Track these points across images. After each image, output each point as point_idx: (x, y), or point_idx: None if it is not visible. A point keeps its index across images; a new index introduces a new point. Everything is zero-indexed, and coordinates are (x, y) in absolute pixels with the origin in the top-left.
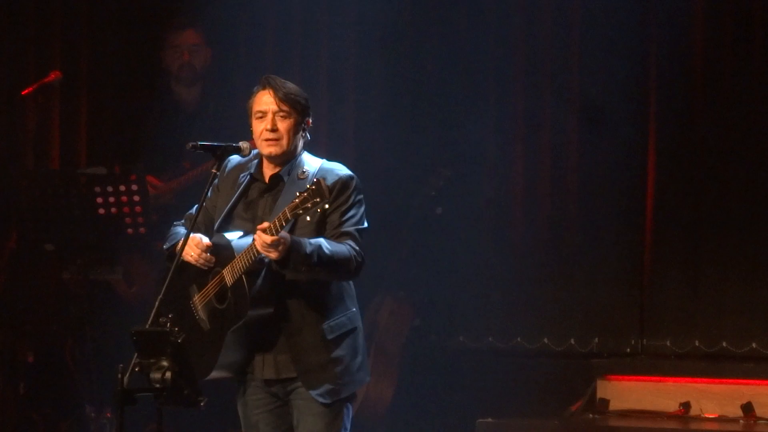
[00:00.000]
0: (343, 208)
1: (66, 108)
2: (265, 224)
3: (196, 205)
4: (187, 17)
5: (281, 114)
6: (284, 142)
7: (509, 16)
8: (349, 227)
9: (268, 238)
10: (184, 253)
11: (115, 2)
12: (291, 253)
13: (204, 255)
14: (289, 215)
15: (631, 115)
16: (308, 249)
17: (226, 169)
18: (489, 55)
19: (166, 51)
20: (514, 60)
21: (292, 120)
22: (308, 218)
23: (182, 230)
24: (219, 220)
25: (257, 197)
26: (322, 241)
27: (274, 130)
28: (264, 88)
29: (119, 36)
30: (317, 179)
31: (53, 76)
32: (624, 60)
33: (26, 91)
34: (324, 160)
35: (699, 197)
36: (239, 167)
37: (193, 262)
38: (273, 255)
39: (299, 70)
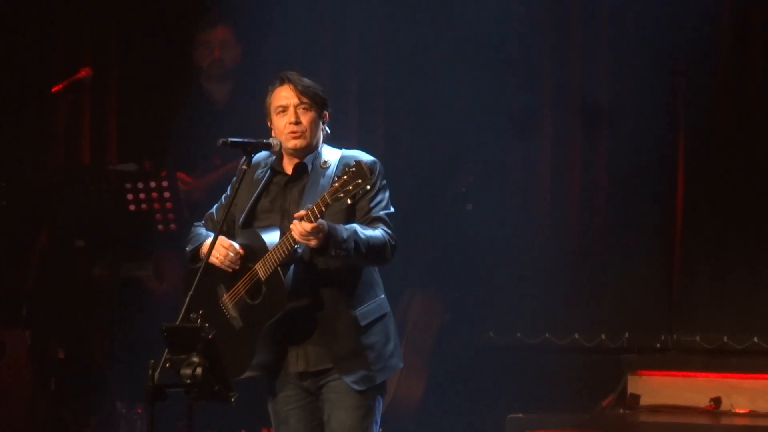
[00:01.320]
0: (372, 193)
1: (96, 105)
2: (302, 212)
3: (216, 205)
4: (218, 14)
5: (303, 107)
6: (308, 134)
7: (534, 13)
8: (379, 212)
9: (309, 226)
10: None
11: None
12: (329, 239)
13: (230, 256)
14: (329, 200)
15: (659, 115)
16: (345, 234)
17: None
18: (516, 49)
19: (197, 48)
20: (544, 62)
21: (313, 112)
22: (349, 201)
23: (203, 231)
24: (242, 217)
25: (281, 190)
26: (356, 226)
27: (298, 122)
28: (282, 83)
29: (150, 33)
30: (356, 161)
31: (84, 73)
32: (653, 65)
33: (57, 88)
34: (343, 149)
35: (729, 193)
36: (256, 164)
37: (218, 264)
38: (312, 242)
39: (329, 66)
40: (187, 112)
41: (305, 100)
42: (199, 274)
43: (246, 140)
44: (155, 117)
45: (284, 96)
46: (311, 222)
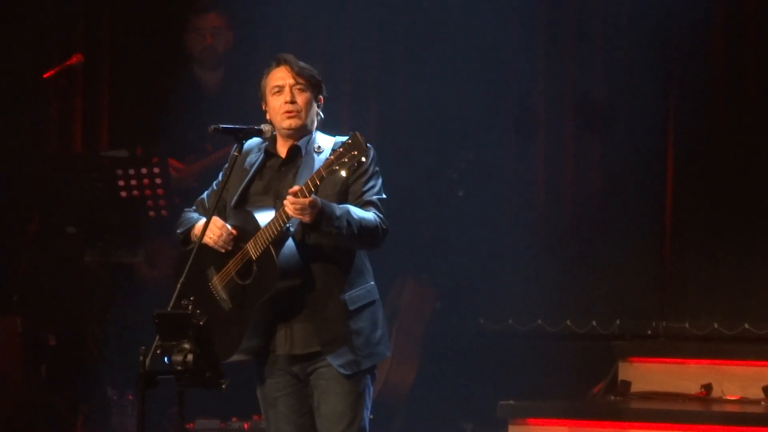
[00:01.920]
0: (364, 178)
1: (88, 91)
2: (296, 188)
3: (206, 191)
4: (210, 0)
5: (298, 87)
6: (303, 114)
7: (532, 11)
8: (371, 196)
9: (303, 200)
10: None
11: None
12: (322, 215)
13: (224, 236)
14: (324, 173)
15: (651, 102)
16: (338, 212)
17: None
18: (513, 40)
19: (189, 34)
20: (538, 49)
21: (308, 93)
22: (344, 173)
23: (194, 215)
24: (234, 201)
25: (275, 172)
26: (349, 206)
27: (293, 102)
28: (279, 64)
29: (141, 19)
30: (354, 133)
31: (75, 59)
32: (644, 56)
33: (48, 74)
34: (337, 137)
35: (719, 180)
36: (248, 150)
37: (212, 244)
38: (306, 218)
39: (322, 53)
40: (178, 98)
41: (301, 80)
42: (191, 258)
43: (237, 126)
44: (147, 103)
45: (280, 76)
46: (305, 197)
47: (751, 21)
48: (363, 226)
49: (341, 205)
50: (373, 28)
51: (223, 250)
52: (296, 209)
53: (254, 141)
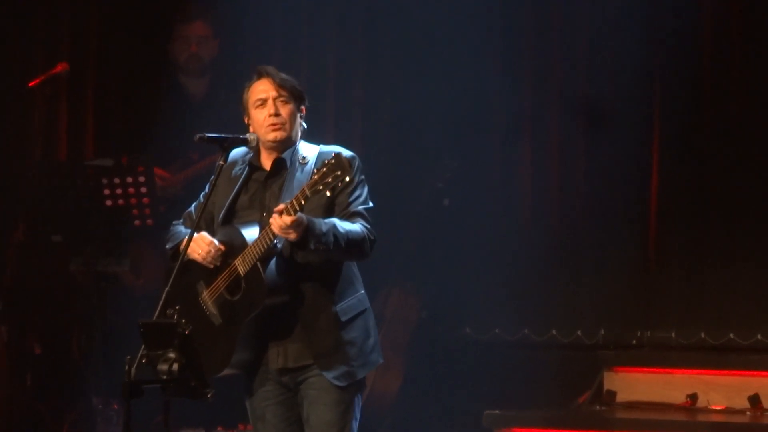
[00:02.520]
0: (350, 188)
1: (73, 99)
2: (281, 206)
3: (194, 204)
4: (196, 9)
5: (282, 99)
6: (287, 126)
7: (516, 15)
8: (357, 207)
9: (288, 219)
10: (190, 251)
11: None
12: (308, 233)
13: (212, 252)
14: (308, 192)
15: (636, 111)
16: (324, 228)
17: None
18: (496, 49)
19: (174, 42)
20: (521, 57)
21: (292, 105)
22: (328, 193)
23: (182, 229)
24: (221, 215)
25: (261, 186)
26: (335, 220)
27: (277, 114)
28: (260, 77)
29: (127, 27)
30: (336, 153)
31: (60, 67)
32: (630, 60)
33: (34, 82)
34: (321, 145)
35: (703, 189)
36: (233, 162)
37: (200, 260)
38: (292, 236)
39: (306, 62)
40: (164, 107)
41: (283, 92)
42: (176, 270)
43: (223, 136)
44: (132, 112)
45: (262, 89)
46: (290, 215)
47: (738, 21)
48: (350, 239)
49: (327, 220)
50: (357, 37)
51: (211, 266)
52: (282, 228)
53: (239, 151)
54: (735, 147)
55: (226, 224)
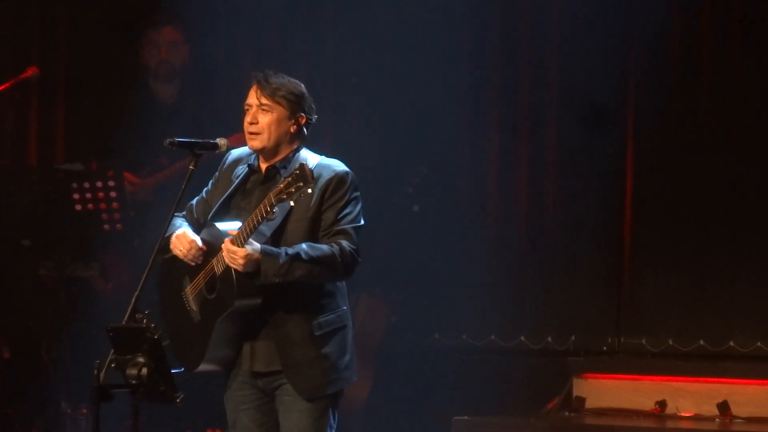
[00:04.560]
0: (339, 205)
1: (43, 104)
2: (235, 232)
3: (197, 197)
4: (166, 14)
5: (263, 108)
6: (264, 136)
7: (483, 14)
8: (344, 225)
9: (238, 251)
10: (173, 247)
11: None
12: (262, 265)
13: (192, 251)
14: (273, 200)
15: (609, 117)
16: (282, 259)
17: (226, 162)
18: (466, 55)
19: (144, 47)
20: (492, 61)
21: (274, 114)
22: (291, 203)
23: (178, 222)
24: (214, 210)
25: (253, 188)
26: (302, 247)
27: (253, 123)
28: (252, 83)
29: (97, 32)
30: (301, 164)
31: (30, 72)
32: (603, 64)
33: (3, 87)
34: (323, 156)
35: (677, 197)
36: (238, 160)
37: (182, 257)
38: (239, 268)
39: (277, 66)
40: (134, 111)
41: (264, 101)
42: (146, 272)
43: (193, 140)
44: (102, 117)
45: (250, 95)
46: (241, 246)
47: (707, 23)
48: (317, 265)
49: (294, 248)
50: (328, 40)
51: (193, 263)
52: (231, 259)
53: (243, 151)
54: (709, 153)
55: (214, 220)
